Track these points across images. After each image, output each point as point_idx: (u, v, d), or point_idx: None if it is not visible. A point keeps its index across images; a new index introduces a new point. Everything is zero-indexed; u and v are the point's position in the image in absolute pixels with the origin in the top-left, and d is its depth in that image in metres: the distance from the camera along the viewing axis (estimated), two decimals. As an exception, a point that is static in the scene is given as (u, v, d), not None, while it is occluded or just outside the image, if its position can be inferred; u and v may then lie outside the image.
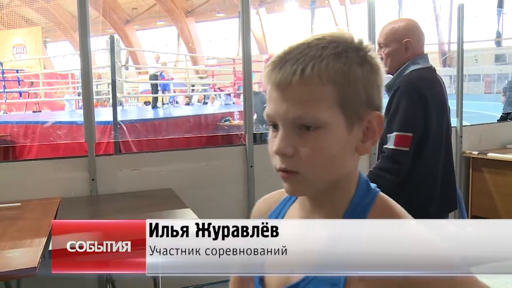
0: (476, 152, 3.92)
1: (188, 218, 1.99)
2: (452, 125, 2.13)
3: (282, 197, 0.85)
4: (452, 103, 2.13)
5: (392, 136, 1.88)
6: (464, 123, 4.03)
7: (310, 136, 0.70)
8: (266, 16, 26.77)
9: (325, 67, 0.68)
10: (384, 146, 1.92)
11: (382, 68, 0.74)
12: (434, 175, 1.97)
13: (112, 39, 7.50)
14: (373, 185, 0.78)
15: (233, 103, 12.01)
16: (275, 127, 0.72)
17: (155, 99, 10.31)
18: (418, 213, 2.09)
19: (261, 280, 0.82)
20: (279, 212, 0.84)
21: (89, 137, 2.74)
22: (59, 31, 24.20)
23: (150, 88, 11.18)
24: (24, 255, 1.63)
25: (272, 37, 25.49)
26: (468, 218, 2.96)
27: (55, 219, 2.15)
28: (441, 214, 2.00)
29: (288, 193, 0.76)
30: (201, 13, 27.00)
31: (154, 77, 10.43)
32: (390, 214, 0.75)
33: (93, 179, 2.71)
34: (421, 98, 1.89)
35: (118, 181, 2.79)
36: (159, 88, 10.67)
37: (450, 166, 2.05)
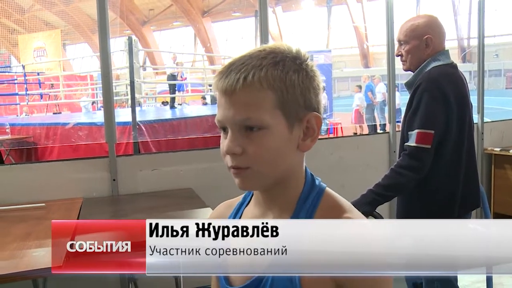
0: (498, 149, 3.86)
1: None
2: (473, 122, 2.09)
3: (237, 202, 0.93)
4: (473, 99, 2.10)
5: (414, 133, 1.86)
6: (486, 119, 3.96)
7: (254, 136, 0.78)
8: (282, 14, 26.70)
9: (265, 75, 0.77)
10: (406, 144, 1.90)
11: (318, 73, 0.82)
12: (456, 172, 1.94)
13: (130, 40, 7.55)
14: (318, 181, 0.85)
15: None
16: (225, 129, 0.80)
17: (173, 99, 10.36)
18: (440, 211, 2.07)
19: (226, 277, 0.84)
20: (236, 212, 0.91)
21: (110, 138, 2.77)
22: (77, 34, 24.51)
23: (168, 88, 11.23)
24: (50, 254, 1.65)
25: (288, 35, 25.42)
26: (491, 215, 2.92)
27: (78, 219, 2.19)
28: (464, 212, 1.97)
29: (240, 188, 0.82)
30: (218, 12, 27.05)
31: (171, 77, 10.47)
32: (337, 210, 0.81)
33: (114, 179, 2.75)
34: (443, 95, 1.86)
35: (138, 181, 2.82)
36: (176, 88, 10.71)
37: (472, 164, 2.02)
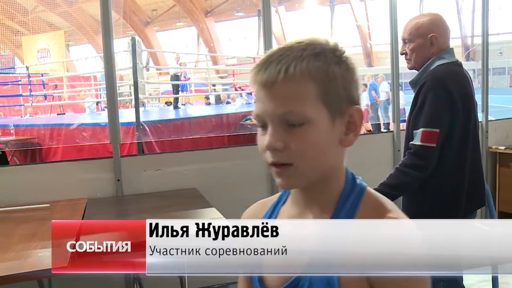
0: (503, 147, 3.84)
1: (214, 217, 2.00)
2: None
3: (272, 201, 0.89)
4: (477, 98, 2.09)
5: (419, 132, 1.86)
6: (490, 117, 3.95)
7: (296, 130, 0.74)
8: (285, 14, 26.68)
9: (306, 66, 0.74)
10: (411, 143, 1.89)
11: (357, 66, 0.79)
12: (461, 171, 1.93)
13: (133, 41, 7.56)
14: (358, 180, 0.82)
15: (255, 102, 11.98)
16: (263, 125, 0.77)
17: (177, 99, 10.36)
18: (445, 210, 2.06)
19: (261, 279, 0.83)
20: (272, 212, 0.87)
21: (114, 138, 2.77)
22: (81, 34, 24.57)
23: (171, 89, 11.24)
24: (54, 255, 1.65)
25: (291, 35, 25.39)
26: (496, 214, 2.90)
27: (82, 219, 2.19)
28: (469, 211, 1.96)
29: (282, 188, 0.79)
30: (221, 12, 27.06)
31: (175, 77, 10.48)
32: (380, 210, 0.78)
33: (118, 180, 2.75)
34: (448, 94, 1.86)
35: (142, 181, 2.82)
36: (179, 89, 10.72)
37: (477, 162, 2.01)
